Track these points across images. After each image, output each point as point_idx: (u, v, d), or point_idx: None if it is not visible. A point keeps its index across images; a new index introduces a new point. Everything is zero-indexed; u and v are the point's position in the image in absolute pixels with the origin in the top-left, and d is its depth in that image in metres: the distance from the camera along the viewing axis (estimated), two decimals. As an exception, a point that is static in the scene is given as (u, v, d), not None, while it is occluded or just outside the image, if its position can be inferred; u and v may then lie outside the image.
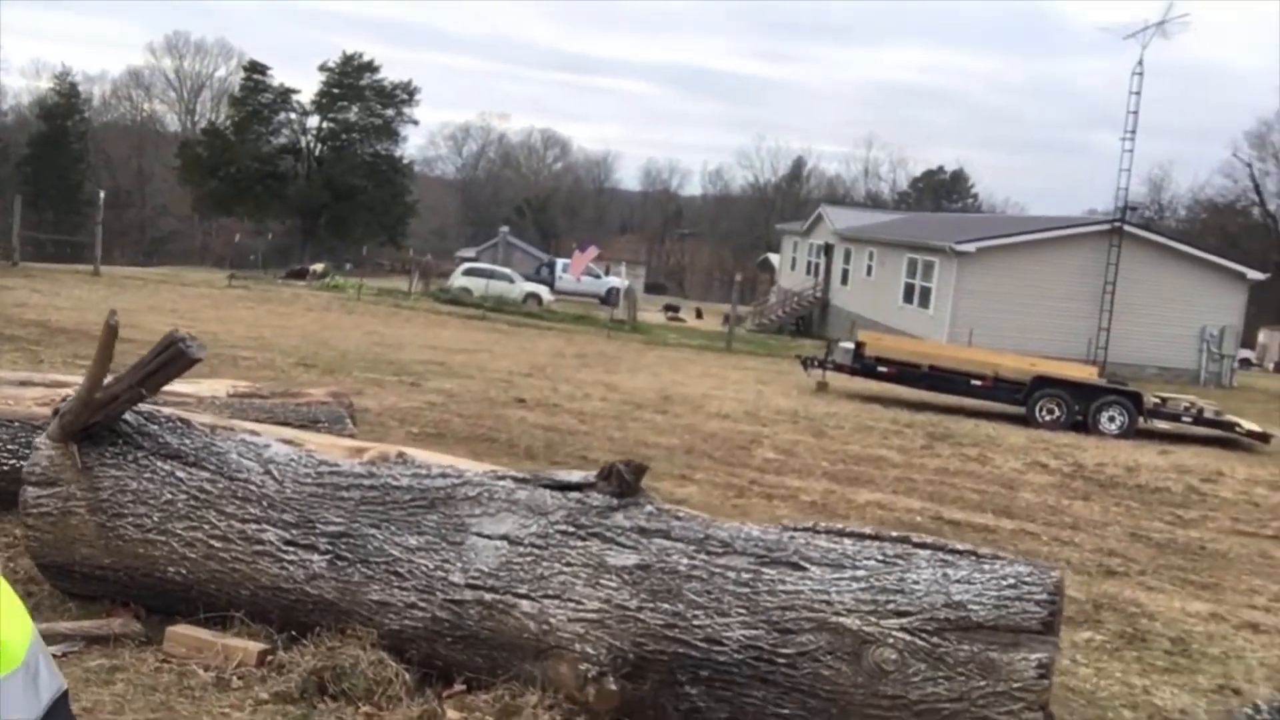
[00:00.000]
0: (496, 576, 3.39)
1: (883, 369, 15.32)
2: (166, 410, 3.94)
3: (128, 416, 3.76)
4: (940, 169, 71.17)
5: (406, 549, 3.48)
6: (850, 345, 16.11)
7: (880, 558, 3.32)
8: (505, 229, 57.66)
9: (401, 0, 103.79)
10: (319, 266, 38.90)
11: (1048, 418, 14.15)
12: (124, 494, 3.64)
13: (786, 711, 3.20)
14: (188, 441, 3.76)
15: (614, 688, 3.23)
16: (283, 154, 52.85)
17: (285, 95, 52.11)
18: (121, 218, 66.29)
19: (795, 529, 3.51)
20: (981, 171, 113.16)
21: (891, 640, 3.13)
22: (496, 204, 78.00)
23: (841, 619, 3.18)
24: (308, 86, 52.85)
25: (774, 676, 3.20)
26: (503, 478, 3.63)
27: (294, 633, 3.53)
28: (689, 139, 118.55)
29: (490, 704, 3.31)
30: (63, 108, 63.56)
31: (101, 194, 24.03)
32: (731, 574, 3.30)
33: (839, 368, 15.83)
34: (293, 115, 52.84)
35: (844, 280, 33.69)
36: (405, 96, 52.63)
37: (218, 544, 3.58)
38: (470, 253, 52.12)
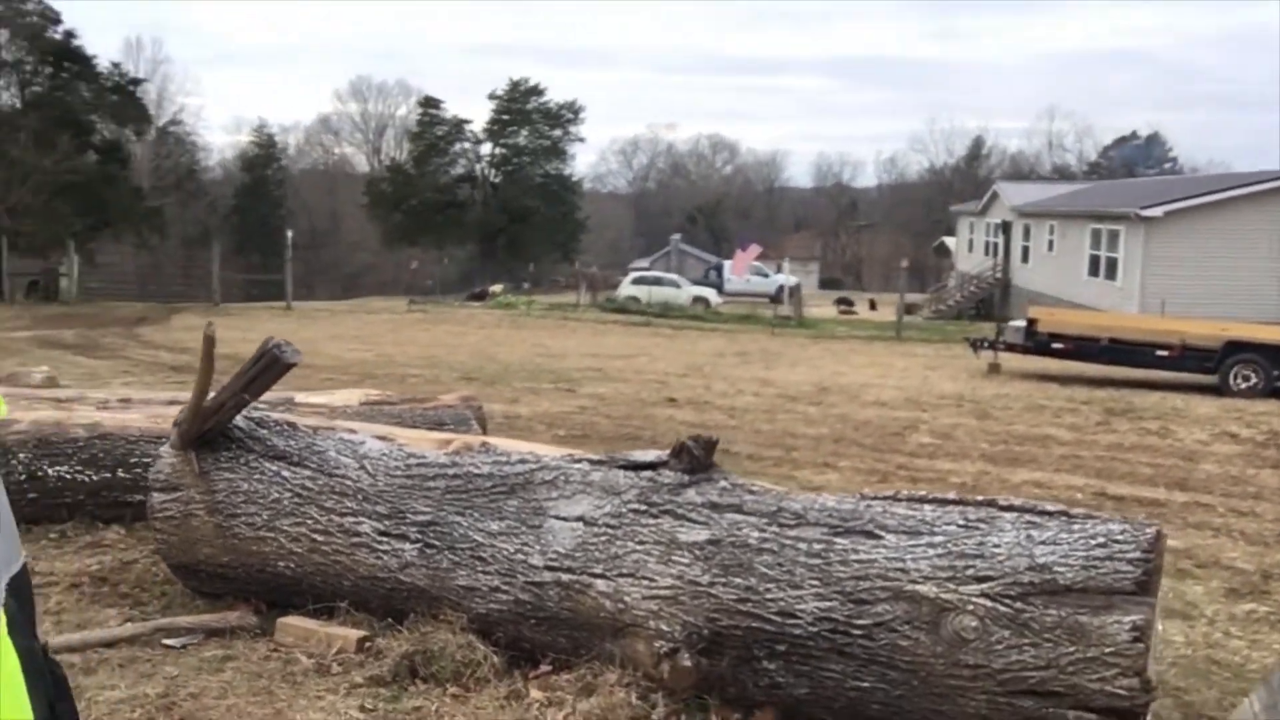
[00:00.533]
0: (573, 557, 3.43)
1: (1057, 345, 14.55)
2: (275, 415, 4.18)
3: (240, 423, 4.02)
4: (1133, 134, 66.91)
5: (489, 534, 3.57)
6: (1021, 323, 15.38)
7: (961, 522, 3.17)
8: (677, 236, 58.05)
9: (561, 22, 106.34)
10: (498, 288, 40.34)
11: (1243, 385, 13.09)
12: (237, 495, 3.89)
13: (866, 684, 3.09)
14: (292, 442, 3.98)
15: (689, 664, 3.21)
16: (460, 183, 55.09)
17: (459, 126, 54.33)
18: (320, 256, 70.80)
19: (874, 498, 3.39)
20: (1179, 134, 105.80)
21: (971, 607, 2.98)
22: (668, 213, 78.71)
23: (918, 587, 3.05)
24: (479, 115, 54.85)
25: (851, 649, 3.10)
26: (579, 461, 3.67)
27: (392, 620, 3.68)
28: (860, 130, 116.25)
29: (572, 683, 3.35)
30: (262, 158, 68.41)
31: (289, 234, 25.76)
32: (803, 545, 3.22)
33: (1010, 347, 15.14)
34: (467, 144, 55.00)
35: (1024, 258, 32.18)
36: (571, 116, 53.88)
37: (320, 538, 3.77)
38: (644, 263, 52.76)
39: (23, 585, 0.75)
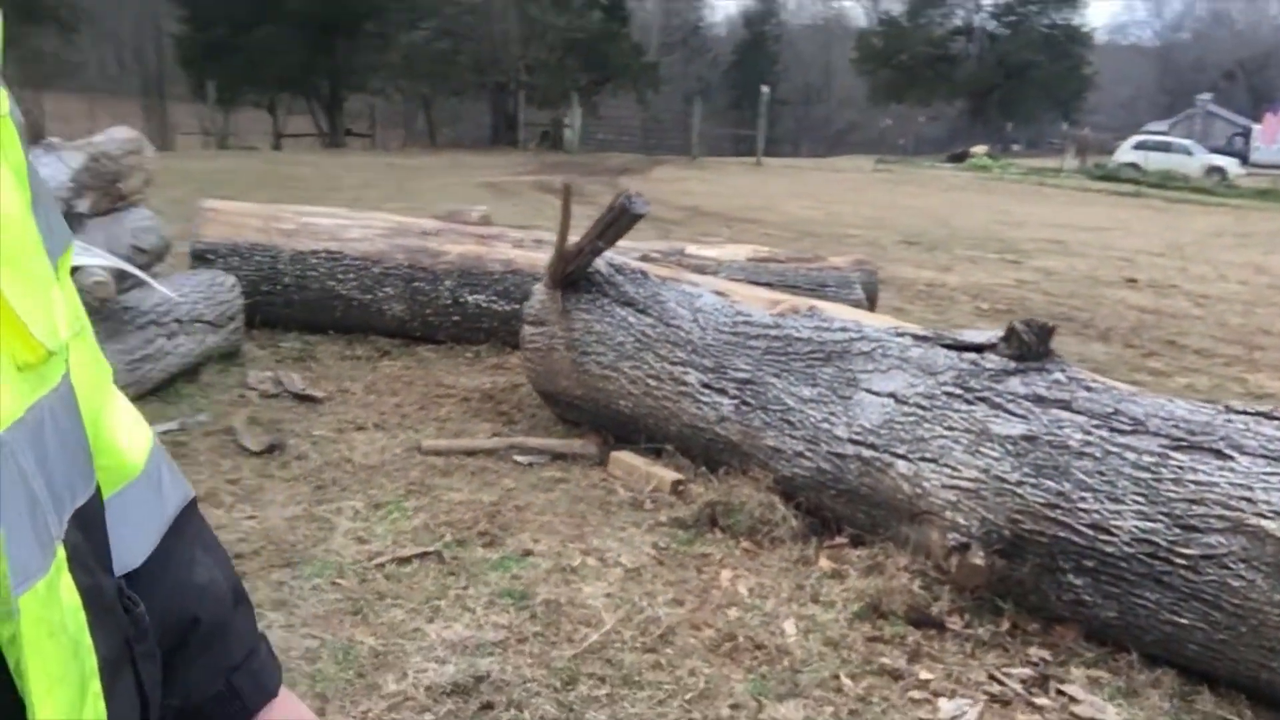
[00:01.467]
0: (877, 434, 3.27)
1: None
2: (631, 262, 4.37)
3: (601, 268, 4.26)
4: None
5: (800, 399, 3.51)
6: None
7: (1344, 456, 2.56)
8: (1206, 96, 50.90)
9: None
10: (981, 149, 38.16)
11: None
12: (590, 335, 4.17)
13: (1184, 620, 2.67)
14: (641, 290, 4.15)
15: (979, 562, 2.97)
16: (954, 36, 52.24)
17: (960, -26, 51.17)
18: (810, 114, 71.47)
19: (1241, 411, 2.84)
20: None
21: (1329, 558, 2.43)
22: (1201, 69, 68.80)
23: (1264, 522, 2.54)
24: (983, -38, 51.15)
25: (1170, 578, 2.68)
26: (901, 334, 3.45)
27: (706, 468, 3.79)
28: None
29: (861, 559, 3.25)
30: (761, 14, 69.67)
31: (765, 90, 26.16)
32: (1131, 455, 2.80)
33: None
34: (967, -6, 51.76)
35: None
36: (1088, -42, 48.39)
37: (653, 382, 3.94)
38: (1160, 126, 46.88)
39: (93, 517, 0.67)
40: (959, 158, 35.16)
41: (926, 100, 52.08)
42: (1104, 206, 18.83)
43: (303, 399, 4.68)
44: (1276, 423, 2.75)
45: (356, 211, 6.46)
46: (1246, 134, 35.67)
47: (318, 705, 2.38)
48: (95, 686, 0.61)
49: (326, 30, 31.13)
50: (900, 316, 5.68)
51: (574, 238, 4.10)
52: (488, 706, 2.43)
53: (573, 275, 4.25)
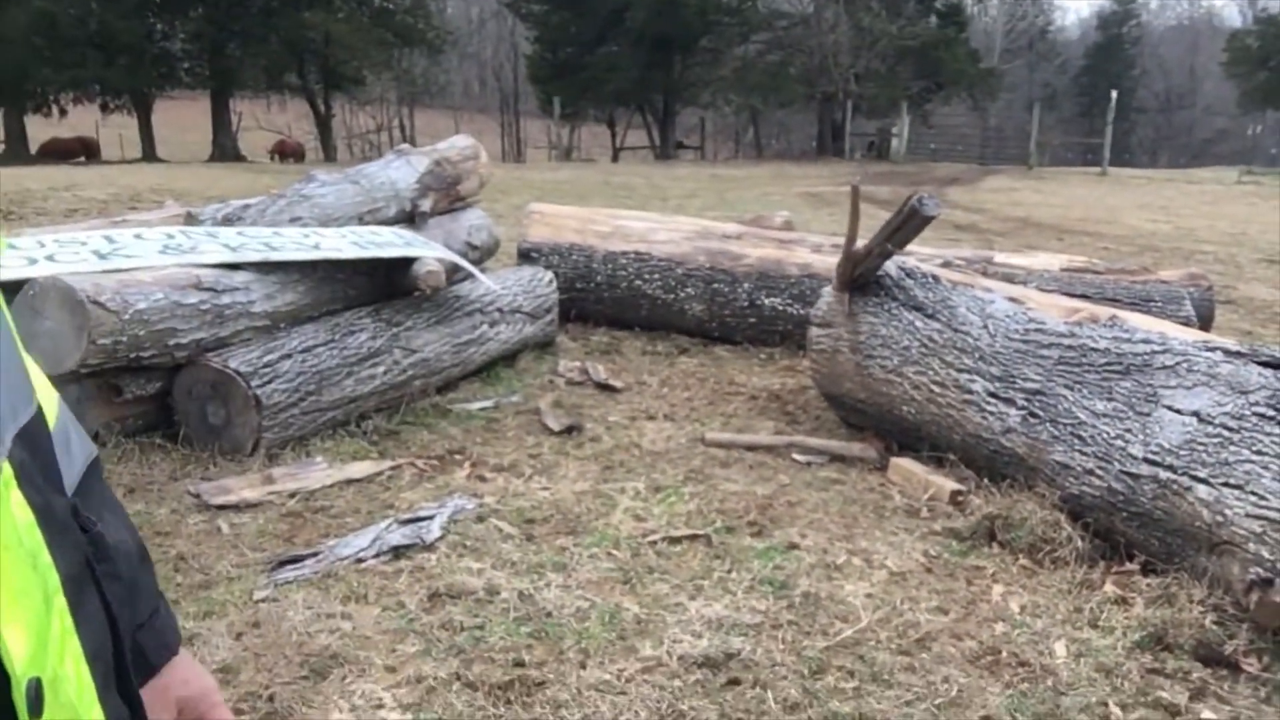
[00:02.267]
0: (1176, 454, 3.04)
1: None
2: (923, 267, 4.30)
3: (891, 271, 4.24)
4: None
5: (1093, 413, 3.32)
6: None
7: None
8: None
9: None
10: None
11: None
12: (875, 338, 4.16)
13: None
14: (930, 295, 4.09)
15: (1283, 601, 2.69)
16: (1350, 31, 45.90)
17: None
18: (1172, 121, 65.62)
19: None
20: None
21: None
22: None
23: None
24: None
25: None
26: (1212, 349, 3.18)
27: (990, 480, 3.67)
28: None
29: (1151, 588, 3.03)
30: (1118, 16, 64.83)
31: (1114, 94, 24.28)
32: None
33: None
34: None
35: None
36: None
37: (937, 389, 3.87)
38: None
39: (38, 436, 0.67)
40: (1350, 170, 30.89)
41: (1313, 104, 46.15)
42: None
43: (604, 388, 4.99)
44: None
45: (666, 216, 6.77)
46: None
47: (580, 659, 2.58)
48: (60, 602, 0.62)
49: (663, 47, 32.53)
50: (1244, 340, 5.17)
51: (865, 240, 4.11)
52: (734, 682, 2.52)
53: (861, 278, 4.25)
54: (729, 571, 3.11)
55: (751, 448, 4.16)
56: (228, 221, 4.41)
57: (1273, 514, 2.77)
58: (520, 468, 3.92)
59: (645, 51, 32.53)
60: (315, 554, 3.04)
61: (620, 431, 4.38)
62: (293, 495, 3.50)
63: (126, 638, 0.73)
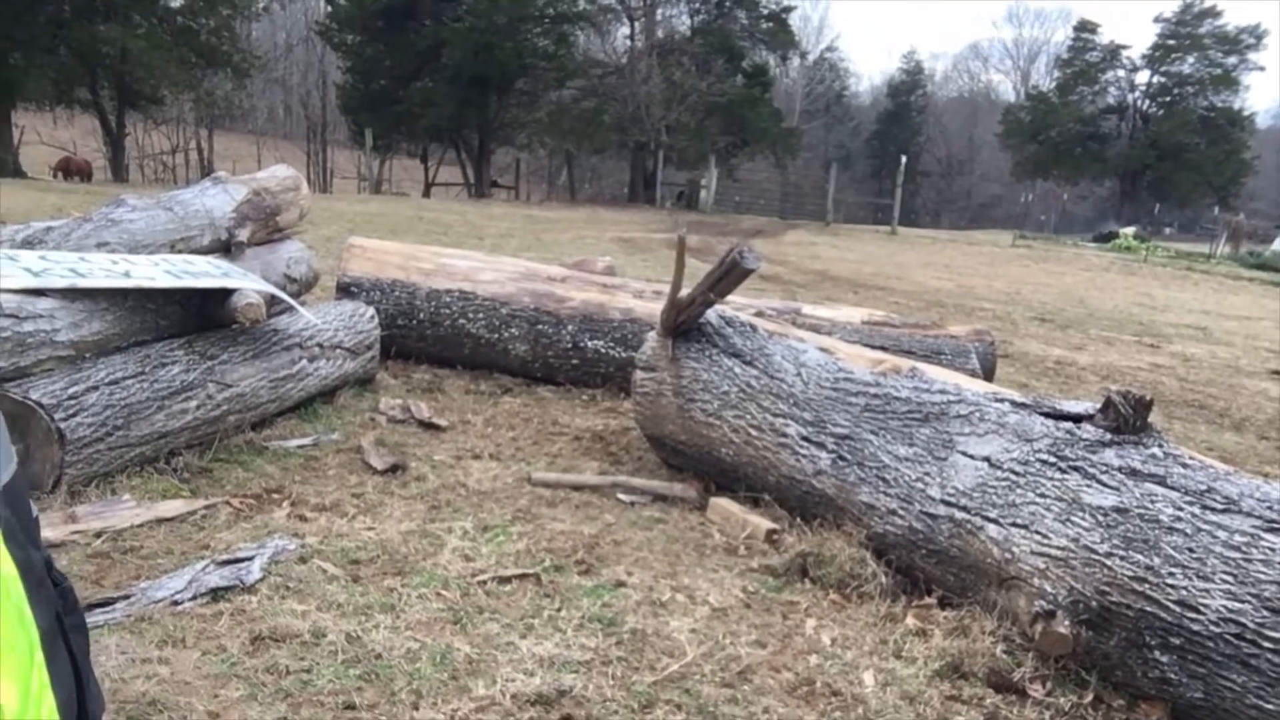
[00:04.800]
0: (970, 496, 3.32)
1: None
2: (741, 316, 4.53)
3: (712, 319, 4.43)
4: None
5: (895, 457, 3.58)
6: None
7: None
8: (1378, 188, 48.41)
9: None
10: (1129, 230, 37.02)
11: None
12: (697, 382, 4.33)
13: (1271, 706, 2.63)
14: (749, 343, 4.30)
15: (1064, 631, 2.98)
16: (1105, 114, 51.07)
17: (1114, 52, 50.16)
18: (952, 185, 70.65)
19: (1345, 499, 2.80)
20: None
21: None
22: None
23: (1357, 612, 2.50)
24: (1140, 41, 50.15)
25: (1258, 661, 2.65)
26: (1000, 400, 3.50)
27: (802, 519, 3.87)
28: None
29: (947, 620, 3.28)
30: (907, 85, 69.58)
31: (904, 159, 26.08)
32: (1222, 534, 2.79)
33: None
34: (1120, 72, 50.68)
35: None
36: (1252, 41, 46.86)
37: (754, 432, 4.07)
38: (1330, 216, 44.72)
39: (17, 494, 0.69)
40: (1105, 238, 34.20)
41: (1073, 178, 50.95)
42: (1255, 296, 18.08)
43: (427, 427, 4.96)
44: (1379, 512, 2.70)
45: (491, 256, 6.81)
46: None
47: (413, 700, 2.57)
48: (39, 657, 0.64)
49: (479, 86, 32.55)
50: (1022, 391, 5.65)
51: (688, 289, 4.28)
52: (567, 718, 2.57)
53: (684, 324, 4.42)
54: (559, 610, 3.16)
55: (577, 487, 4.24)
56: (29, 244, 4.15)
57: (1054, 551, 3.07)
58: (343, 507, 3.85)
59: (462, 89, 32.46)
60: (127, 596, 2.89)
61: (446, 471, 4.37)
62: (99, 535, 3.32)
63: (88, 689, 0.73)
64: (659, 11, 36.06)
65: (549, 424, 5.20)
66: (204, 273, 4.44)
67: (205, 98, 32.63)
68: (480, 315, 5.95)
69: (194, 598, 2.94)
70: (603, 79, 35.59)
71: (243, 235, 5.09)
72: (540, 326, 5.88)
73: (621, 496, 4.21)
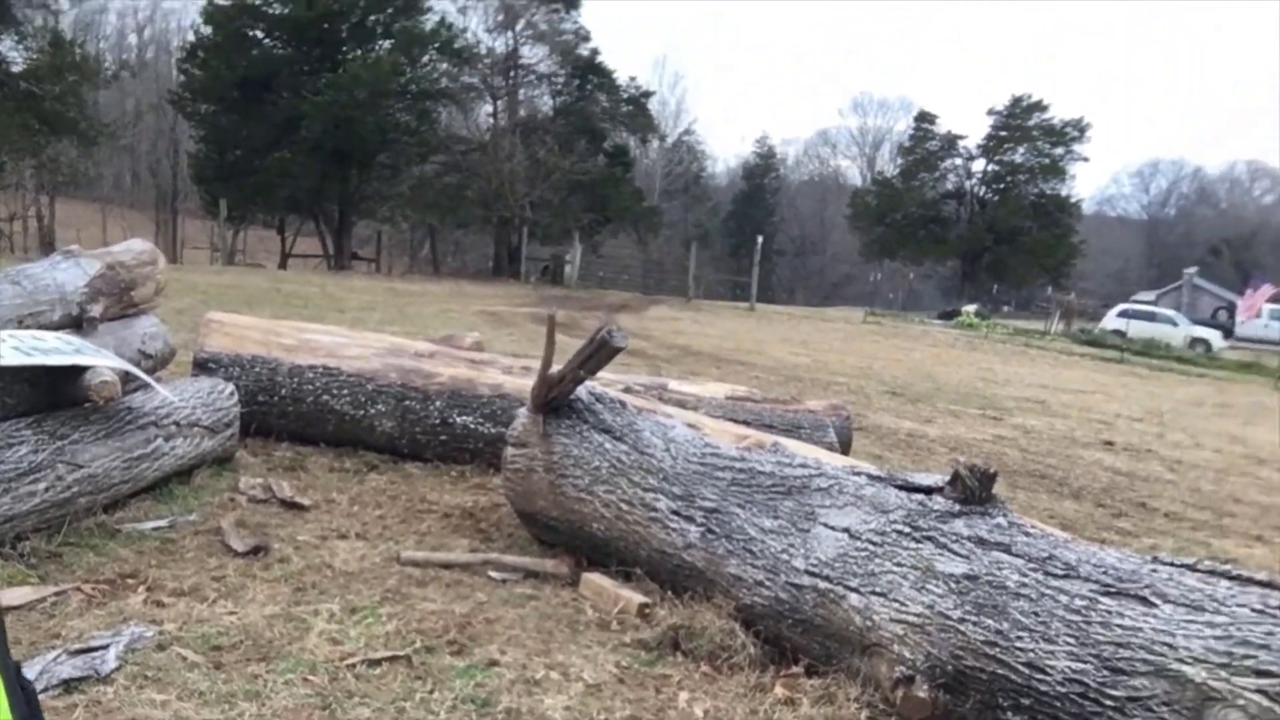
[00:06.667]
0: (832, 566, 3.46)
1: None
2: (610, 393, 4.62)
3: (583, 395, 4.50)
4: None
5: (761, 530, 3.70)
6: None
7: (1256, 606, 2.76)
8: (1192, 270, 52.56)
9: (1075, 49, 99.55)
10: (971, 308, 39.04)
11: None
12: (568, 458, 4.37)
13: (1112, 762, 2.80)
14: (618, 419, 4.38)
15: (923, 695, 3.11)
16: (946, 199, 54.12)
17: (952, 141, 53.39)
18: (806, 264, 73.32)
19: (1167, 563, 3.04)
20: None
21: (1242, 702, 2.60)
22: (1189, 244, 71.19)
23: (1184, 668, 2.71)
24: (975, 131, 53.60)
25: (1100, 719, 2.83)
26: (857, 473, 3.67)
27: (673, 593, 3.94)
28: None
29: (815, 689, 3.38)
30: (761, 168, 72.26)
31: (760, 239, 27.03)
32: (1064, 598, 2.99)
33: None
34: (958, 160, 53.92)
35: None
36: (1076, 134, 50.67)
37: (625, 507, 4.13)
38: (1149, 296, 48.23)
39: None
40: (949, 315, 35.97)
41: (918, 258, 53.60)
42: (1087, 370, 19.29)
43: (290, 506, 4.84)
44: (1199, 574, 2.95)
45: (355, 331, 6.74)
46: (1231, 308, 36.68)
47: (281, 791, 2.50)
48: None
49: (339, 158, 32.25)
50: (876, 463, 5.90)
51: (558, 366, 4.35)
52: (443, 802, 2.54)
53: (555, 401, 4.48)
54: (431, 692, 3.12)
55: (448, 566, 4.20)
56: None
57: (911, 618, 3.21)
58: (203, 591, 3.72)
59: (322, 162, 32.10)
60: (-33, 694, 2.72)
61: (311, 551, 4.27)
62: (-66, 628, 3.11)
63: None
64: (521, 92, 36.68)
65: (417, 501, 5.15)
66: (54, 349, 4.27)
67: (48, 164, 31.32)
68: (345, 391, 5.87)
69: (45, 690, 2.79)
70: (465, 155, 35.78)
71: (95, 310, 4.92)
72: (407, 403, 5.84)
73: (493, 574, 4.20)
